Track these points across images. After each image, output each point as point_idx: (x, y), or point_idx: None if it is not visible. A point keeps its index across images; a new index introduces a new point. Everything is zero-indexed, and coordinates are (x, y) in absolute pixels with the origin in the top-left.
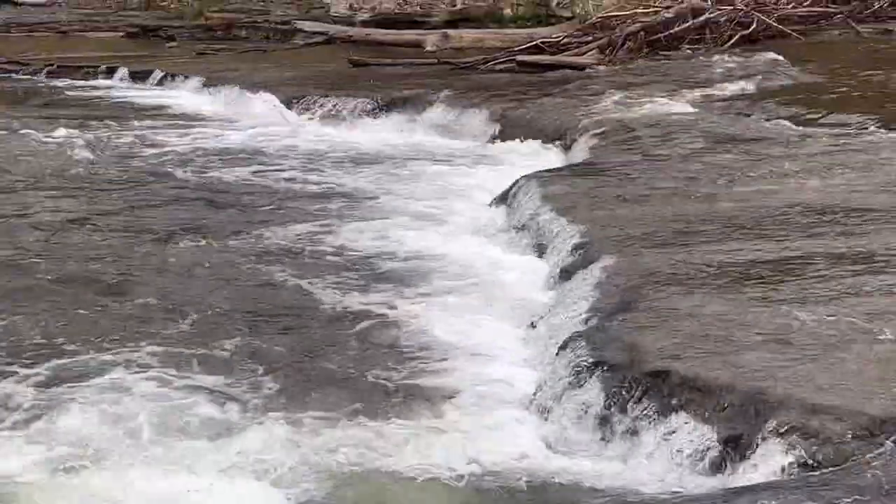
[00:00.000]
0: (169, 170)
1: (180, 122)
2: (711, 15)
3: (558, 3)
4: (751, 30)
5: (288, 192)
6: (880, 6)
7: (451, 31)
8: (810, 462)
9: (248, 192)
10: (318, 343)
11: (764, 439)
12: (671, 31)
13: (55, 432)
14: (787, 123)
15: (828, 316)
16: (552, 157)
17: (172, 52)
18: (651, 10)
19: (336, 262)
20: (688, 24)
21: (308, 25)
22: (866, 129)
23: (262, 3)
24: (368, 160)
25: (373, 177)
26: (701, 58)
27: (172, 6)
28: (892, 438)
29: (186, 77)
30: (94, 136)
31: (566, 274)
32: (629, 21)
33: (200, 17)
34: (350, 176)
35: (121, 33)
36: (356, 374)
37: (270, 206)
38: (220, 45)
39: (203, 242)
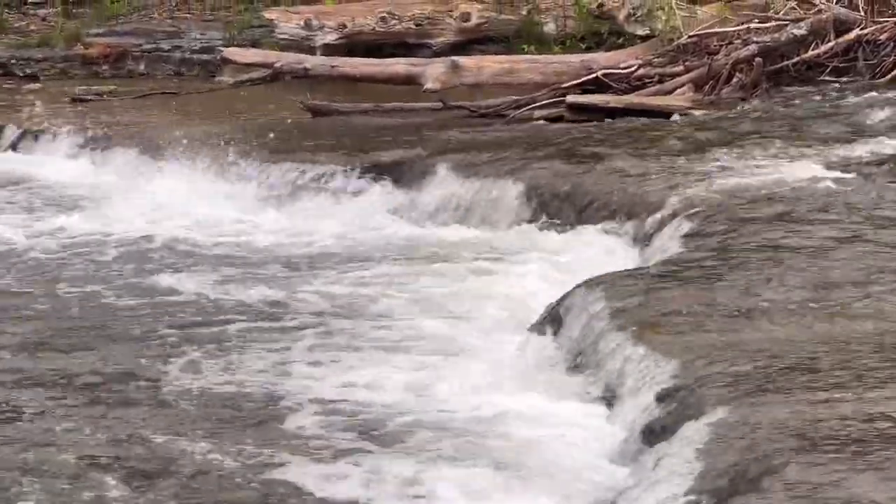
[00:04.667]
0: (29, 282)
1: (47, 204)
2: (865, 31)
3: (629, 16)
4: None
5: (217, 314)
6: None
7: (463, 59)
8: None
9: (156, 316)
10: None
11: None
12: (803, 57)
13: None
14: None
15: None
16: (622, 254)
17: (34, 97)
18: (771, 22)
19: (308, 423)
20: (829, 45)
21: (241, 54)
22: None
23: (170, 21)
24: (338, 261)
25: (349, 289)
26: (850, 96)
27: (33, 28)
28: None
29: (56, 135)
30: None
31: (651, 435)
32: (738, 41)
33: (76, 45)
34: (313, 289)
35: None
36: None
37: (195, 338)
38: (106, 85)
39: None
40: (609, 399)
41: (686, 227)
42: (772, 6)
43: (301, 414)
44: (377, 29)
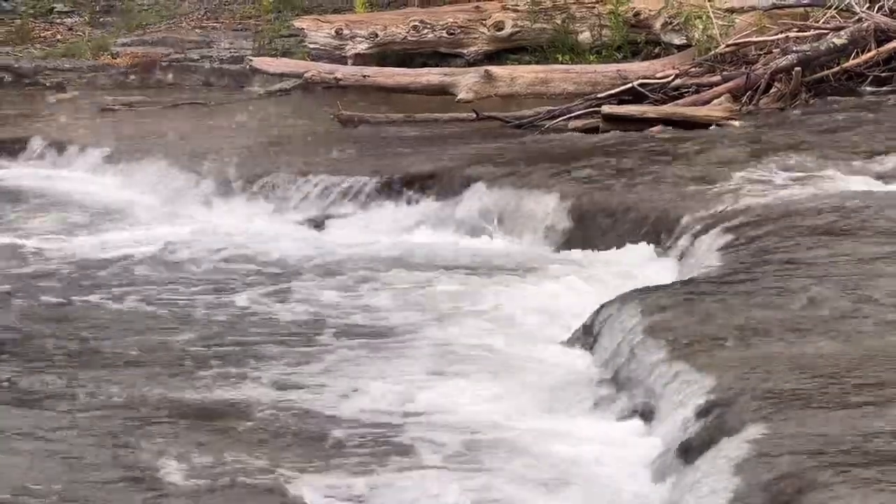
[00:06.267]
0: (55, 299)
1: (74, 219)
2: None
3: (666, 25)
4: None
5: (246, 329)
6: None
7: (496, 69)
8: None
9: (187, 331)
10: None
11: None
12: (843, 66)
13: None
14: None
15: None
16: (658, 268)
17: (61, 108)
18: (811, 31)
19: (337, 435)
20: (870, 55)
21: (271, 64)
22: None
23: (199, 31)
24: (369, 273)
25: (379, 301)
26: (891, 107)
27: (59, 37)
28: None
29: (83, 148)
30: None
31: (689, 451)
32: (777, 50)
33: (103, 55)
34: (342, 300)
35: None
36: None
37: (220, 353)
38: (134, 95)
39: None
40: (645, 414)
41: (723, 239)
42: (811, 15)
43: (332, 426)
44: (409, 38)
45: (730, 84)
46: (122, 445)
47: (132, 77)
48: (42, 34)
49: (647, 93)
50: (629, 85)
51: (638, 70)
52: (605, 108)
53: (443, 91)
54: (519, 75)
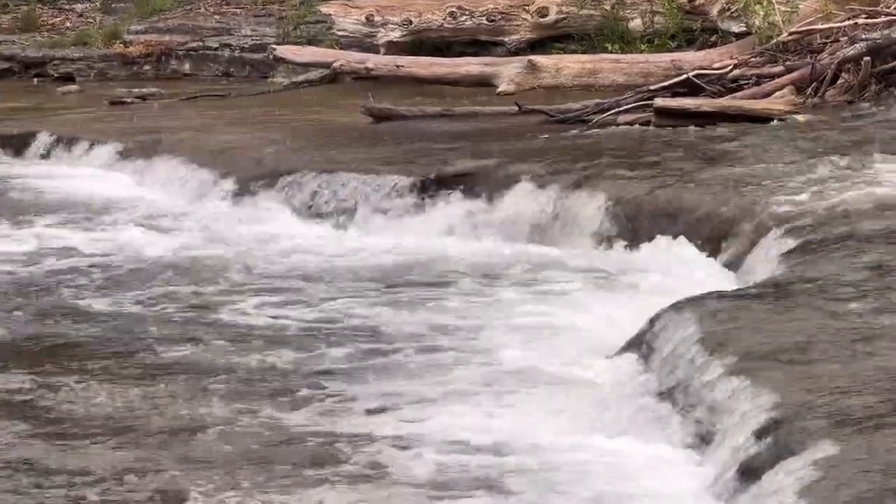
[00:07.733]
0: (71, 302)
1: (83, 219)
2: None
3: (724, 11)
4: None
5: (269, 335)
6: None
7: (540, 59)
8: None
9: (206, 343)
10: None
11: None
12: None
13: None
14: None
15: None
16: (716, 273)
17: (70, 101)
18: (881, 18)
19: (374, 461)
20: None
21: (296, 53)
22: None
23: (217, 17)
24: (402, 280)
25: (412, 311)
26: None
27: (69, 24)
28: None
29: (93, 143)
30: None
31: (750, 473)
32: (844, 38)
33: (115, 44)
34: (375, 310)
35: None
36: None
37: (245, 372)
38: (147, 87)
39: None
40: (703, 433)
41: (785, 244)
42: None
43: (372, 448)
44: (446, 25)
45: (793, 75)
46: None
47: (146, 67)
48: (50, 21)
49: (703, 84)
50: (684, 76)
51: (693, 60)
52: (658, 102)
53: (483, 82)
54: (565, 65)
